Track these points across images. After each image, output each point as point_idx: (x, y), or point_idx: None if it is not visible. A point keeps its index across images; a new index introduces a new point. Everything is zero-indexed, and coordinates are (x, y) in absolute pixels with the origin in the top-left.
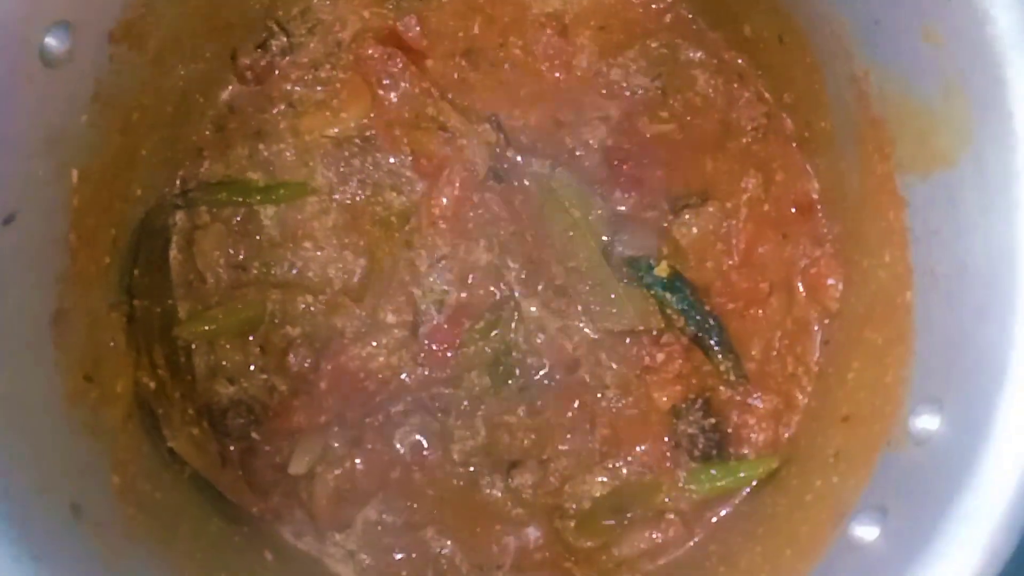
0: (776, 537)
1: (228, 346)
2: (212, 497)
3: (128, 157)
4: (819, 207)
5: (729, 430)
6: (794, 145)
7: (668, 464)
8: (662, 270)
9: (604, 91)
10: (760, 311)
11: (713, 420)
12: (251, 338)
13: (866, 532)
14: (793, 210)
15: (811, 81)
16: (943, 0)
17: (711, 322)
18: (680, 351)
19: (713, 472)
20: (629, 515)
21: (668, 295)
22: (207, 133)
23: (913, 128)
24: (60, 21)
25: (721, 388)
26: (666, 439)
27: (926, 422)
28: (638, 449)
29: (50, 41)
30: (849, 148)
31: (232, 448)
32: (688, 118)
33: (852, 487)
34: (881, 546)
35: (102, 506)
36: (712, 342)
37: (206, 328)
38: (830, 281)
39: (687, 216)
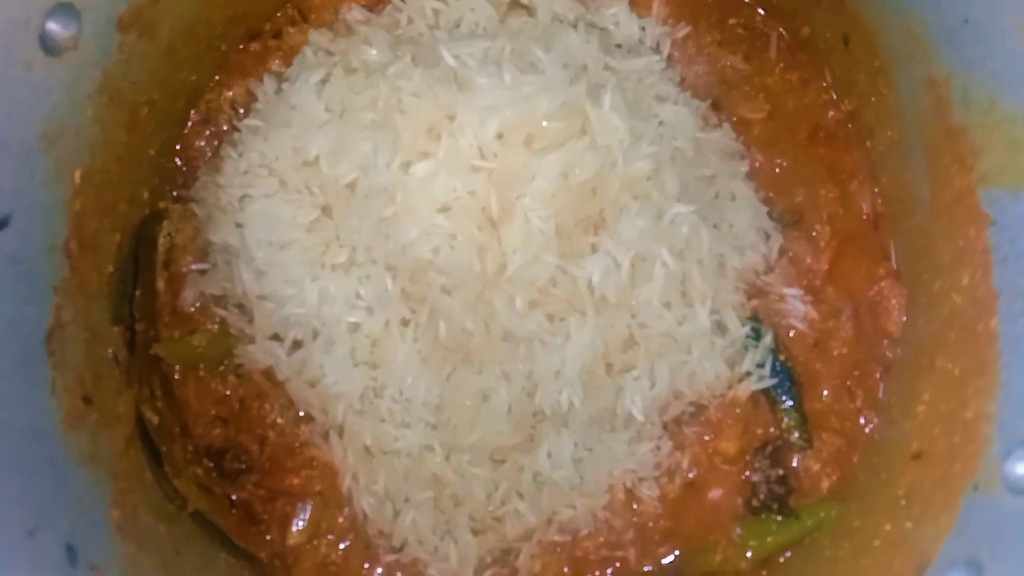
0: None
1: (204, 373)
2: (219, 530)
3: (135, 157)
4: (881, 222)
5: (794, 484)
6: (856, 154)
7: (725, 519)
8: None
9: None
10: (833, 340)
11: (781, 472)
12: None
13: None
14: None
15: (877, 85)
16: None
17: (782, 374)
18: (747, 401)
19: (772, 527)
20: None
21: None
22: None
23: (1003, 138)
24: (65, 4)
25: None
26: (724, 492)
27: None
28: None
29: (53, 26)
30: (918, 158)
31: (234, 497)
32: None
33: (932, 534)
34: None
35: (100, 545)
36: (782, 396)
37: (181, 351)
38: (892, 303)
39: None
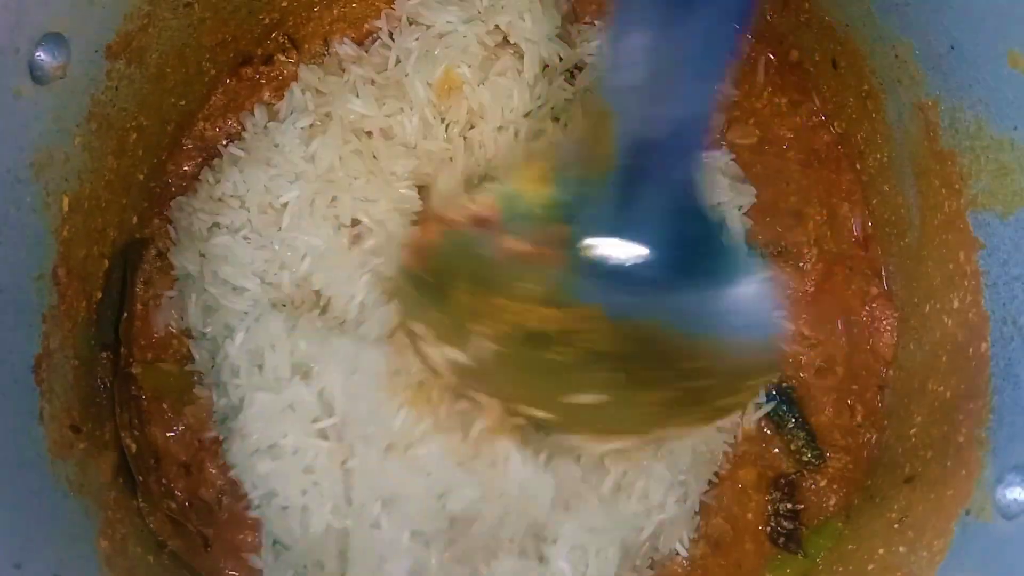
0: None
1: (165, 405)
2: None
3: (123, 182)
4: (872, 244)
5: (805, 520)
6: (847, 176)
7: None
8: None
9: None
10: (829, 359)
11: (789, 506)
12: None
13: None
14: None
15: (867, 109)
16: None
17: (785, 396)
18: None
19: (779, 559)
20: None
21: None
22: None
23: (992, 162)
24: (53, 33)
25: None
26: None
27: (1017, 493)
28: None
29: (41, 55)
30: (908, 181)
31: (206, 534)
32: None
33: (926, 560)
34: None
35: None
36: (787, 416)
37: (150, 376)
38: (884, 323)
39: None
